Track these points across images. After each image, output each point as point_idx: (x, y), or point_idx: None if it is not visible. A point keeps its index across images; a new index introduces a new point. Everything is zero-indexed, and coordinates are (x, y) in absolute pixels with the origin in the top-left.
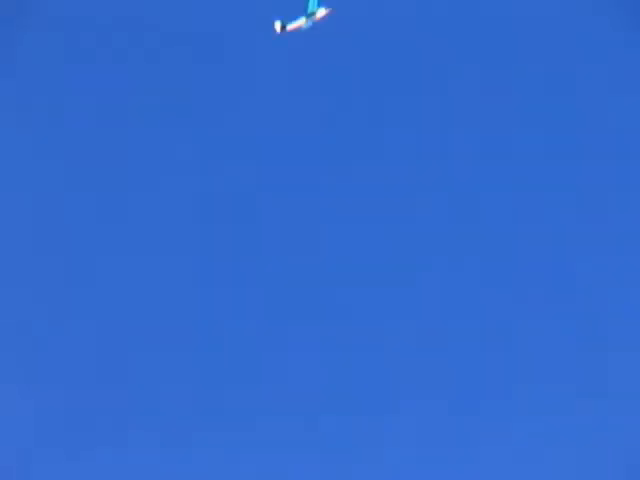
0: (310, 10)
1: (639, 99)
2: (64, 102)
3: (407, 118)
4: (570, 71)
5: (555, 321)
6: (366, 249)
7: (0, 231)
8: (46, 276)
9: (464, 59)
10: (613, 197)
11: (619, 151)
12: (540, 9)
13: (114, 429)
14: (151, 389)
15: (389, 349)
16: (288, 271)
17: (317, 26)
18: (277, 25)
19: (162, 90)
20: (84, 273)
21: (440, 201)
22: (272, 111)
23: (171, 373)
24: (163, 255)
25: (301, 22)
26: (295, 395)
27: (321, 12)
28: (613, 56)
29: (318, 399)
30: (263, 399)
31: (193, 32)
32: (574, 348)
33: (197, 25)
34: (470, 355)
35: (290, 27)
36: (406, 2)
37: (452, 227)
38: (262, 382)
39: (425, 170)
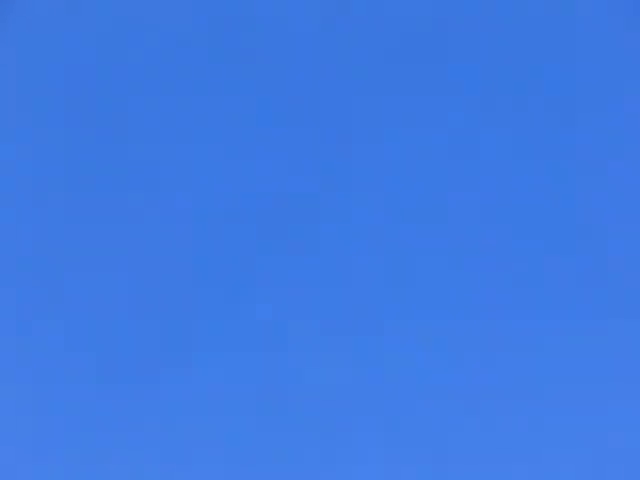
0: None
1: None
2: (61, 98)
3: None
4: (575, 70)
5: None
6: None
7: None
8: (45, 275)
9: (466, 59)
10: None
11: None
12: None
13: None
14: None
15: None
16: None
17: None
18: None
19: (165, 85)
20: (83, 273)
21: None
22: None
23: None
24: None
25: None
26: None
27: None
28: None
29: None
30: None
31: (196, 29)
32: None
33: (199, 23)
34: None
35: None
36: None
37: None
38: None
39: (426, 171)
